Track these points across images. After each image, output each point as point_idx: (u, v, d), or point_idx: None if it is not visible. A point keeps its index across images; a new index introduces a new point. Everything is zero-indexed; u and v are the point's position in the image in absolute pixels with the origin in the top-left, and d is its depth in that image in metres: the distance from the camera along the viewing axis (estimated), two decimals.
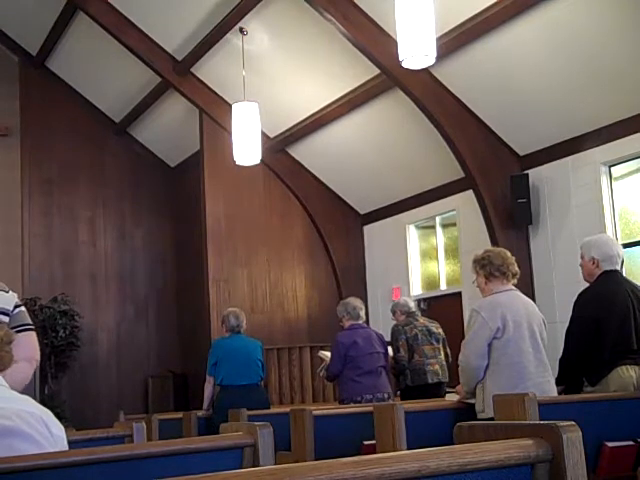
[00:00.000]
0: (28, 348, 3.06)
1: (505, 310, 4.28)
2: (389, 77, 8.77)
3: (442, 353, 7.35)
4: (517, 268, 4.48)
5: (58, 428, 2.09)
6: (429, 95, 8.76)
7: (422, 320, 7.47)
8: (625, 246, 7.97)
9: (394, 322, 7.59)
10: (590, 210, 8.27)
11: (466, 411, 4.31)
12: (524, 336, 4.27)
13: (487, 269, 4.41)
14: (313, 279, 11.98)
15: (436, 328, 7.41)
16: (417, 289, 10.97)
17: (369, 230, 11.91)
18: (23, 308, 3.03)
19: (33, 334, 3.03)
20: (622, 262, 4.94)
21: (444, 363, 7.33)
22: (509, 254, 4.49)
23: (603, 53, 7.45)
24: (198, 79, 11.13)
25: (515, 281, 4.47)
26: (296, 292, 11.89)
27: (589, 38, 7.40)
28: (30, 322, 3.04)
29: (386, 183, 10.96)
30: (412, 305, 7.61)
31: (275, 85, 10.27)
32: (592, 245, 4.67)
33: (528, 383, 4.13)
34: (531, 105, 8.39)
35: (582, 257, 4.70)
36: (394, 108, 9.59)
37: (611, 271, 4.58)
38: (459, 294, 10.06)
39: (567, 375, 4.55)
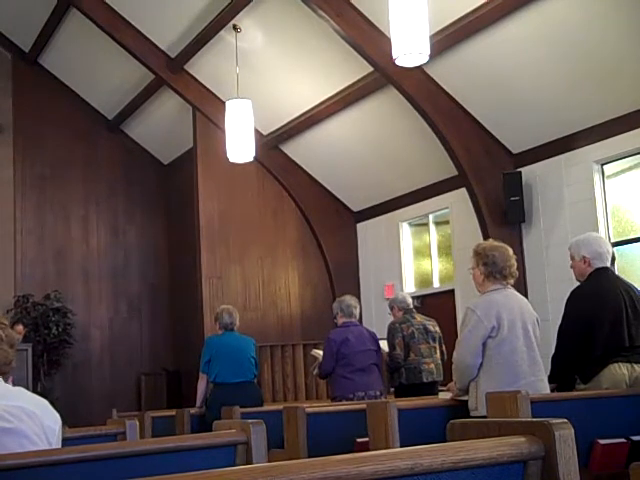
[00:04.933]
0: None
1: (500, 309, 4.29)
2: (383, 75, 8.77)
3: (438, 352, 7.35)
4: (516, 270, 4.49)
5: (52, 419, 2.09)
6: (422, 93, 8.76)
7: (419, 318, 7.46)
8: (617, 244, 8.00)
9: (391, 318, 7.59)
10: (583, 208, 8.29)
11: (459, 409, 4.32)
12: (518, 335, 4.28)
13: (488, 268, 4.41)
14: (306, 276, 11.98)
15: (433, 326, 7.41)
16: (410, 286, 10.98)
17: (362, 227, 11.92)
18: None
19: None
20: (613, 259, 4.96)
21: (439, 362, 7.33)
22: (511, 252, 4.49)
23: (596, 51, 7.46)
24: (191, 76, 11.11)
25: (512, 281, 4.49)
26: (289, 289, 11.89)
27: (582, 37, 7.41)
28: None
29: (379, 181, 10.96)
30: (410, 301, 7.61)
31: (268, 82, 10.27)
32: (581, 244, 4.68)
33: (521, 382, 4.14)
34: (524, 103, 8.40)
35: (572, 258, 4.71)
36: (387, 106, 9.59)
37: (602, 268, 4.59)
38: (452, 291, 10.08)
39: (559, 373, 4.56)
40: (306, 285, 11.99)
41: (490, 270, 4.41)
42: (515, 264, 4.48)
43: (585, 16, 7.26)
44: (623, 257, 7.99)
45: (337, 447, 3.33)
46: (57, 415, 2.13)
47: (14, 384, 2.28)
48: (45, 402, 2.12)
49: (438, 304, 10.13)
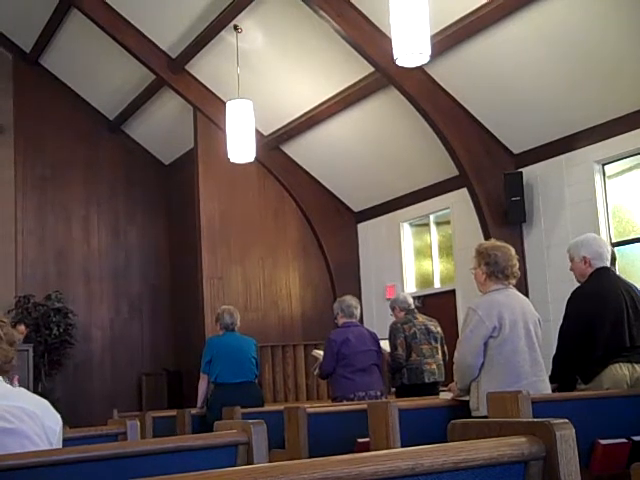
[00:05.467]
0: None
1: (502, 309, 4.28)
2: (383, 75, 8.77)
3: (440, 352, 7.35)
4: (518, 270, 4.49)
5: (53, 420, 2.09)
6: (423, 93, 8.76)
7: (421, 318, 7.46)
8: (618, 244, 8.00)
9: (393, 318, 7.58)
10: (584, 208, 8.29)
11: (460, 409, 4.31)
12: (520, 335, 4.28)
13: (490, 268, 4.40)
14: (307, 277, 11.98)
15: (434, 327, 7.41)
16: (411, 287, 10.98)
17: (363, 228, 11.92)
18: None
19: None
20: (614, 260, 4.96)
21: (441, 362, 7.32)
22: (513, 252, 4.49)
23: (597, 51, 7.46)
24: (192, 76, 11.12)
25: (514, 281, 4.48)
26: (290, 290, 11.89)
27: (583, 37, 7.41)
28: None
29: (380, 181, 10.96)
30: (411, 302, 7.60)
31: (269, 83, 10.27)
32: (580, 245, 4.68)
33: (523, 382, 4.14)
34: (525, 103, 8.40)
35: (572, 260, 4.70)
36: (388, 106, 9.59)
37: (603, 268, 4.59)
38: (453, 292, 10.08)
39: (560, 373, 4.56)
40: (307, 285, 11.99)
41: (492, 270, 4.41)
42: (517, 264, 4.47)
43: (585, 16, 7.26)
44: (624, 257, 7.98)
45: (338, 447, 3.32)
46: (58, 416, 2.13)
47: (20, 383, 2.28)
48: (46, 402, 2.12)
49: (439, 304, 10.13)
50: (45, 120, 12.75)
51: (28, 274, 12.36)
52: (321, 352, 7.12)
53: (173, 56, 10.80)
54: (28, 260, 12.43)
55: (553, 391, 4.42)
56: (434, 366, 7.23)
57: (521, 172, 8.92)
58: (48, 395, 11.10)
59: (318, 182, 11.89)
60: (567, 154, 8.49)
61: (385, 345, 7.22)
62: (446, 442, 1.39)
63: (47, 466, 1.93)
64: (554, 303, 8.07)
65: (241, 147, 9.45)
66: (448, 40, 8.07)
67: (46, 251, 12.61)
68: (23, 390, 2.12)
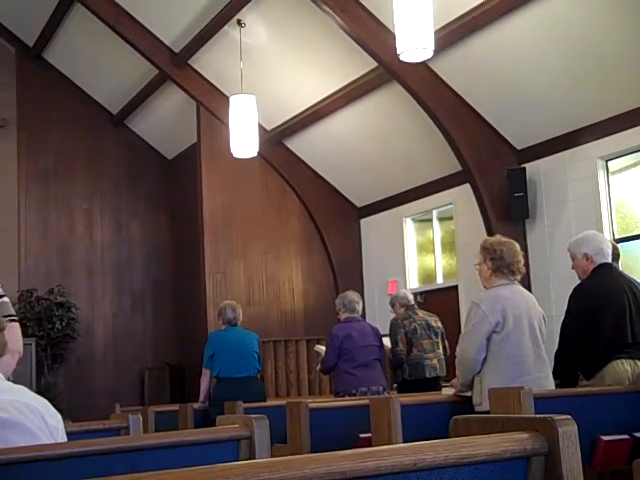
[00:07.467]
0: (12, 341, 3.00)
1: (506, 304, 4.28)
2: (387, 70, 8.76)
3: (440, 347, 7.36)
4: (523, 266, 4.48)
5: (54, 418, 2.09)
6: (427, 88, 8.75)
7: (421, 314, 7.47)
8: (621, 240, 7.99)
9: (393, 315, 7.59)
10: (587, 204, 8.28)
11: (462, 405, 4.32)
12: (524, 331, 4.28)
13: (496, 263, 4.40)
14: (310, 272, 11.98)
15: (435, 322, 7.42)
16: (414, 282, 10.98)
17: (366, 223, 11.91)
18: (6, 299, 2.96)
19: (16, 325, 2.96)
20: (618, 256, 4.96)
21: (442, 357, 7.34)
22: (519, 248, 4.49)
23: (601, 47, 7.45)
24: (195, 71, 11.11)
25: (519, 277, 4.48)
26: (292, 285, 11.89)
27: (586, 32, 7.40)
28: (13, 313, 2.98)
29: (383, 176, 10.95)
30: (411, 298, 7.62)
31: (272, 78, 10.26)
32: (581, 242, 4.68)
33: (527, 377, 4.14)
34: (529, 99, 8.39)
35: (573, 258, 4.70)
36: (392, 101, 9.58)
37: (605, 264, 4.59)
38: (455, 287, 10.07)
39: (563, 369, 4.56)
40: (309, 280, 11.98)
41: (498, 265, 4.41)
42: (522, 260, 4.47)
43: (589, 12, 7.24)
44: (627, 253, 7.97)
45: (340, 443, 3.32)
46: (58, 415, 2.13)
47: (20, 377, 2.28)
48: (46, 401, 2.13)
49: (441, 300, 10.13)
50: (48, 114, 12.75)
51: (31, 268, 12.37)
52: (323, 347, 7.14)
53: (176, 51, 10.79)
54: (31, 254, 12.45)
55: (556, 387, 4.42)
56: (435, 361, 7.24)
57: (524, 168, 8.91)
58: (51, 389, 11.13)
59: (321, 177, 11.88)
60: (570, 150, 8.48)
61: (386, 341, 7.24)
62: (448, 438, 1.39)
63: (49, 460, 1.93)
64: (557, 299, 8.07)
65: (244, 142, 9.45)
66: (452, 35, 8.05)
67: (49, 245, 12.62)
68: (25, 388, 2.12)
